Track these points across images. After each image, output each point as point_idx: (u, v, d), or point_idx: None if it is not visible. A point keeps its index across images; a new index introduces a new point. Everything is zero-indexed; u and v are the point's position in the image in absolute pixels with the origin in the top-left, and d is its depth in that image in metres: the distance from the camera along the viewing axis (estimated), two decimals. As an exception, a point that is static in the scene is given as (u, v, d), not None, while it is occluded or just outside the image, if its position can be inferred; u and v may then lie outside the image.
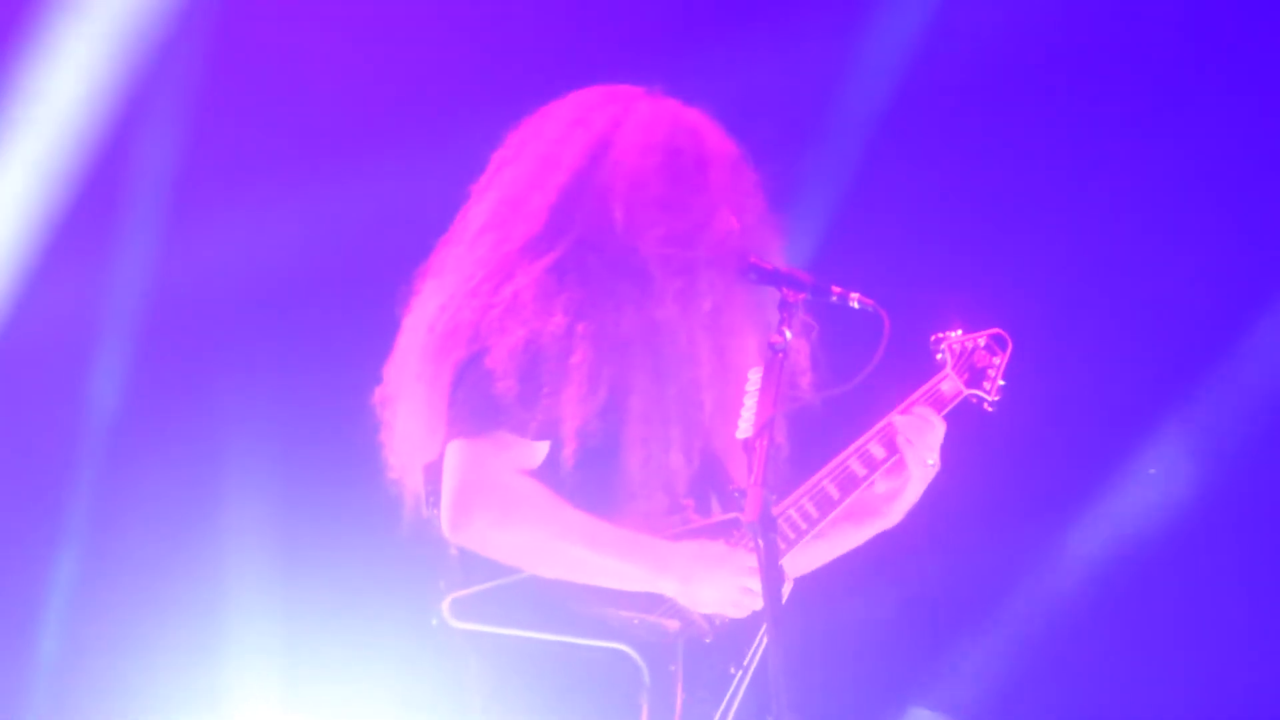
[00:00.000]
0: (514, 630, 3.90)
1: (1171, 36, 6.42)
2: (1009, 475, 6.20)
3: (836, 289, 4.03)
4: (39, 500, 6.11)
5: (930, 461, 4.20)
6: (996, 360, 4.39)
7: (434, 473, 4.01)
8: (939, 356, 4.36)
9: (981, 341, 4.40)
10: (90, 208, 5.98)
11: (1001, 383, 4.39)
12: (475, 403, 3.91)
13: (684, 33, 6.30)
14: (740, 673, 3.98)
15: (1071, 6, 6.38)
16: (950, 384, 4.32)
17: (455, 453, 3.93)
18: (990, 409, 4.38)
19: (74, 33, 5.84)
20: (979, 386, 4.36)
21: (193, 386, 6.14)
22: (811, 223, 6.06)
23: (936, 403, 4.29)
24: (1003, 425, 4.42)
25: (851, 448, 4.20)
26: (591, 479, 3.96)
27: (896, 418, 4.22)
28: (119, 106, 5.95)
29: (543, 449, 3.95)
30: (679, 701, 3.89)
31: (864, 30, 6.33)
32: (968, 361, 4.37)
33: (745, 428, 4.01)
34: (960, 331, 4.40)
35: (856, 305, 4.04)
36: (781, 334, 3.91)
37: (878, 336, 4.01)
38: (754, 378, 4.04)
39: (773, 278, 4.05)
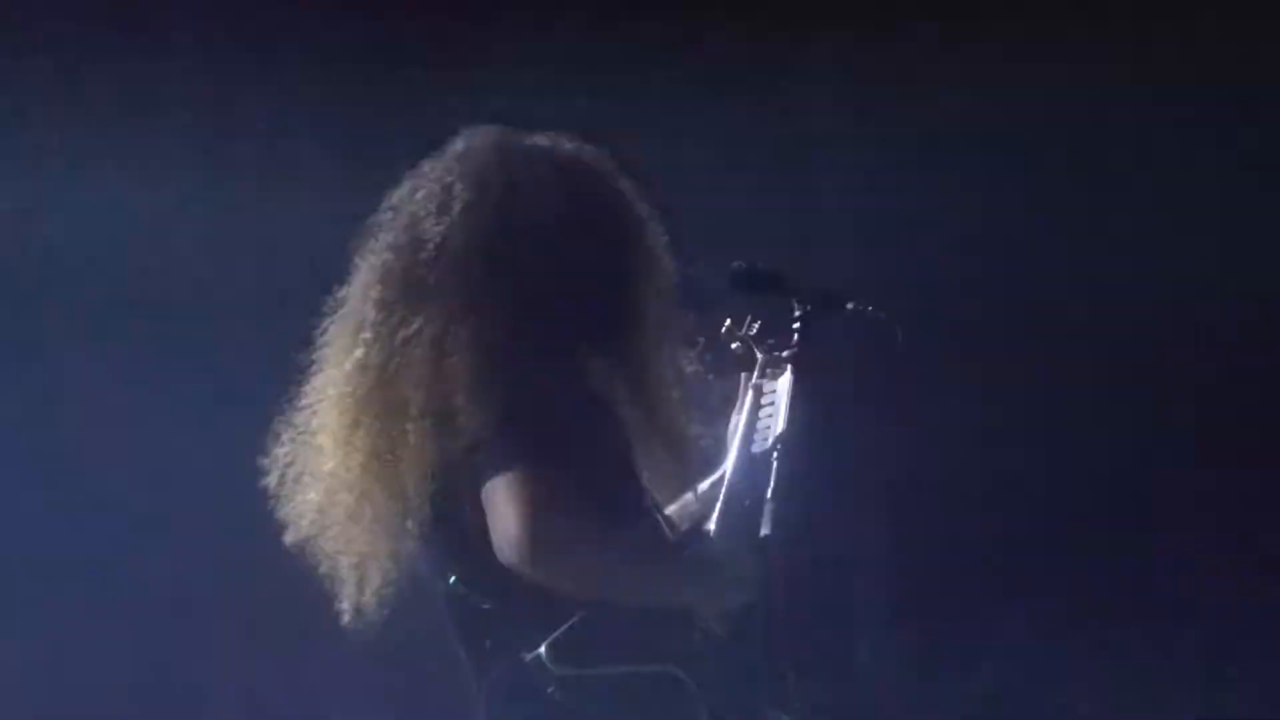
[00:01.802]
0: (603, 669, 3.81)
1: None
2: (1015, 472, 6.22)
3: (851, 301, 4.03)
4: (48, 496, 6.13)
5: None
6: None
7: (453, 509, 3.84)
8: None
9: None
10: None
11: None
12: (539, 427, 3.72)
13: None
14: (764, 661, 3.97)
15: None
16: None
17: (522, 481, 3.68)
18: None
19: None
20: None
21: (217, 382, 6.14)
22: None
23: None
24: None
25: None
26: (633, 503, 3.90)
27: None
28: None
29: (593, 472, 3.81)
30: (728, 702, 3.89)
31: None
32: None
33: (760, 441, 4.01)
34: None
35: (869, 317, 4.03)
36: (795, 346, 3.92)
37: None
38: (768, 390, 4.05)
39: (787, 290, 4.05)
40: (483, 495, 3.71)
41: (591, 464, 3.77)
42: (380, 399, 3.80)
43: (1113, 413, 6.44)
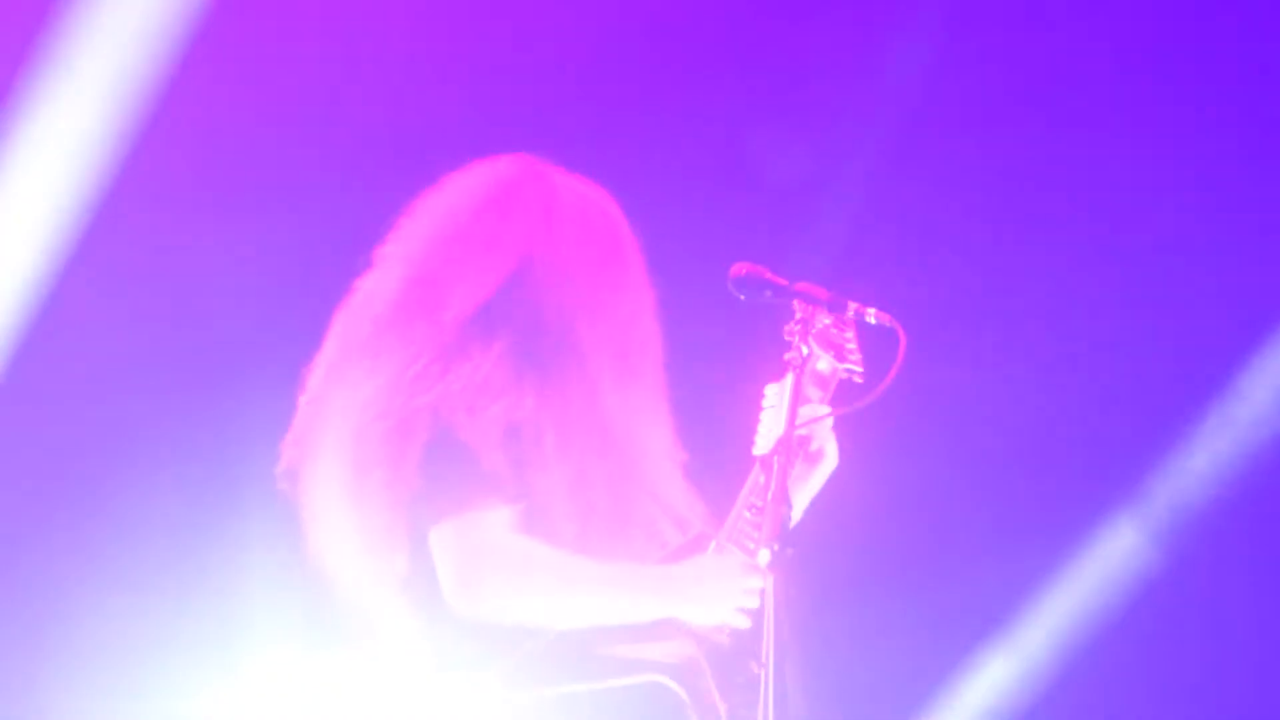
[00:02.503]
0: (554, 688, 3.88)
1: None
2: (1017, 480, 6.21)
3: (854, 304, 4.03)
4: (52, 500, 6.13)
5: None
6: (849, 334, 4.23)
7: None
8: (804, 348, 4.15)
9: (826, 320, 4.19)
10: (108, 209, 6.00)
11: (852, 349, 4.23)
12: (457, 480, 3.86)
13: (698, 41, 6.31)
14: (763, 670, 3.96)
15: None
16: (826, 363, 4.19)
17: (449, 533, 3.87)
18: (860, 380, 4.21)
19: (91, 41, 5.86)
20: (846, 360, 4.21)
21: (210, 387, 6.14)
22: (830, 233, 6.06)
23: (822, 384, 4.19)
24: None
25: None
26: (573, 533, 3.95)
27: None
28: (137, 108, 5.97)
29: (522, 511, 3.91)
30: (724, 713, 3.90)
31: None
32: (827, 341, 4.20)
33: (762, 445, 4.02)
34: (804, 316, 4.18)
35: (874, 321, 4.02)
36: (798, 350, 3.92)
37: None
38: (770, 394, 4.04)
39: (788, 294, 4.05)
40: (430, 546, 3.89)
41: (530, 502, 3.88)
42: (353, 465, 3.96)
43: (1113, 419, 6.45)
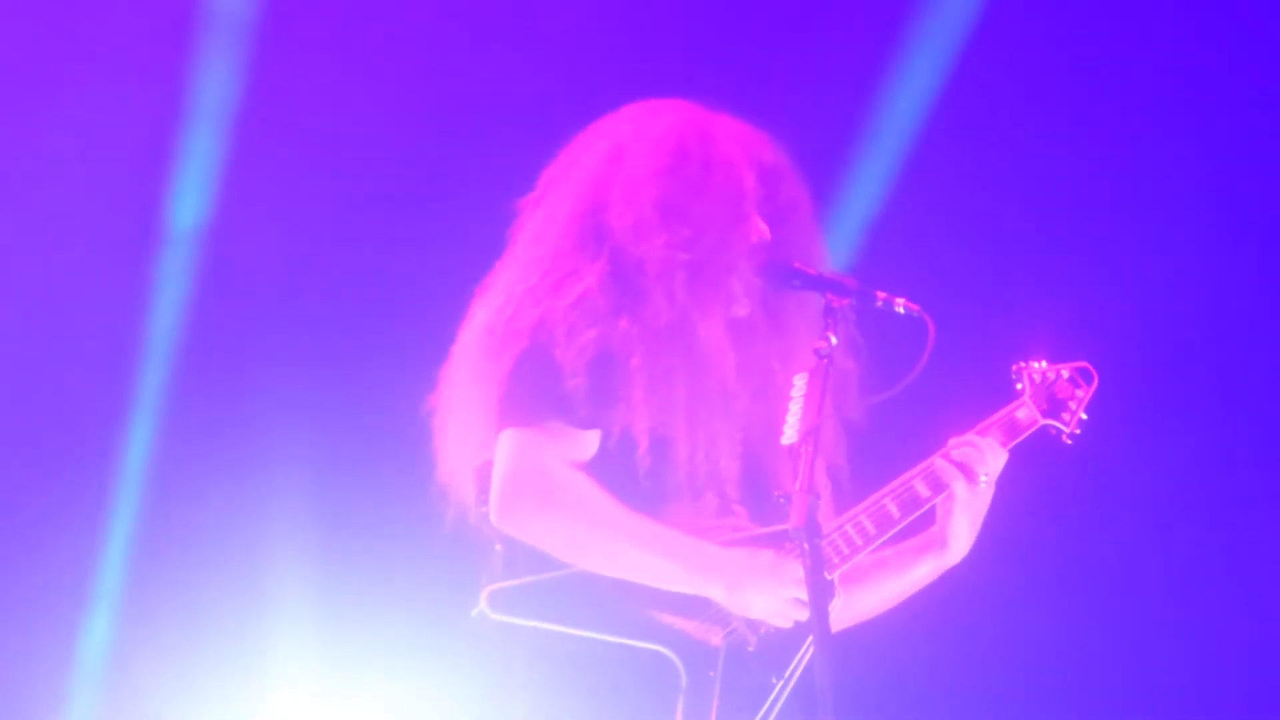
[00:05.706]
0: (551, 625, 3.90)
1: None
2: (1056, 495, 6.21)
3: (881, 294, 4.01)
4: (81, 502, 6.12)
5: (983, 481, 4.18)
6: (1079, 393, 4.38)
7: (486, 474, 4.01)
8: (1018, 385, 4.35)
9: (1065, 373, 4.39)
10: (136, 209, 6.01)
11: (1084, 416, 4.37)
12: (535, 393, 3.92)
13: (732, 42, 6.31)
14: (781, 683, 3.97)
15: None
16: (1026, 412, 4.31)
17: (508, 440, 3.94)
18: (1069, 441, 4.37)
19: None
20: (1057, 418, 4.34)
21: (236, 388, 6.15)
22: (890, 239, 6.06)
23: (1011, 430, 4.28)
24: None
25: (918, 468, 4.19)
26: (645, 475, 3.97)
27: (954, 449, 4.21)
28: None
29: (593, 441, 3.96)
30: (715, 707, 3.89)
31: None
32: (1047, 392, 4.35)
33: (790, 434, 4.00)
34: (1044, 362, 4.39)
35: (902, 311, 4.02)
36: (827, 340, 3.91)
37: (939, 344, 3.99)
38: (799, 383, 4.03)
39: (817, 283, 4.04)
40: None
41: (606, 433, 3.93)
42: (464, 374, 4.12)
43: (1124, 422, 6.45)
